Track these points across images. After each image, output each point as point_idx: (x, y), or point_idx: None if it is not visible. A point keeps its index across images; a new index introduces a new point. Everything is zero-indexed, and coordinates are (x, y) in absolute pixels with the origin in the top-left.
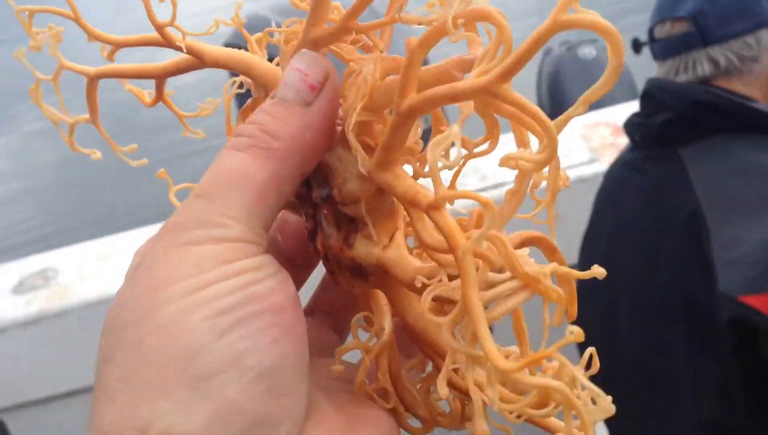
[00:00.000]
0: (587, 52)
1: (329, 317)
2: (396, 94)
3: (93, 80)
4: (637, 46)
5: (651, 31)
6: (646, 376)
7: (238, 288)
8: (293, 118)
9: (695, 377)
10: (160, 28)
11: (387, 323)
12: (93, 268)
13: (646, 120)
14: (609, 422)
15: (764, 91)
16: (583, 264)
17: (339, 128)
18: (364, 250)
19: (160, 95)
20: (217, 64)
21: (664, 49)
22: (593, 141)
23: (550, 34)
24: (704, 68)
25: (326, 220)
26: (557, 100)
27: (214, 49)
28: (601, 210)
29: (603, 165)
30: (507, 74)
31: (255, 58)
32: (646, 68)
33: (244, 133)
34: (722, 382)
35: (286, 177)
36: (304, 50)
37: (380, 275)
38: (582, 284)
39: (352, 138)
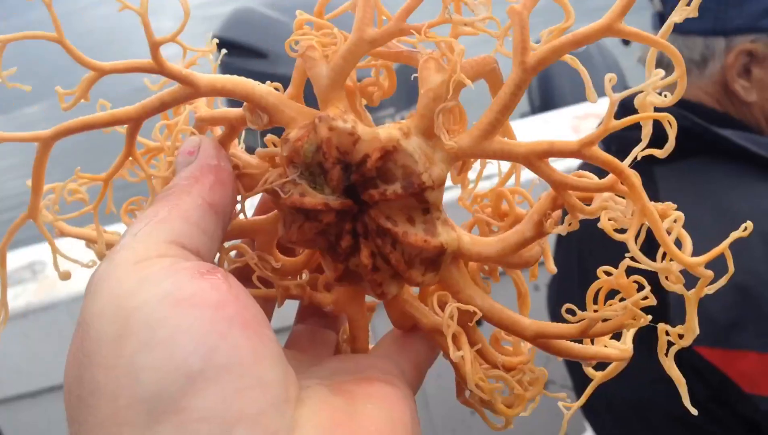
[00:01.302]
0: None
1: (321, 318)
2: (516, 53)
3: (47, 144)
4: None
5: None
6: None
7: (162, 296)
8: (182, 175)
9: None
10: (155, 46)
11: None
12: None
13: (623, 133)
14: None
15: (715, 97)
16: (558, 264)
17: (404, 122)
18: (447, 235)
19: (130, 147)
20: (213, 92)
21: (652, 24)
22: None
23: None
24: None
25: (390, 221)
26: (547, 93)
27: (209, 76)
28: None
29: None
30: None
31: (252, 82)
32: (636, 60)
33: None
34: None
35: (189, 207)
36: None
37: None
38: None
39: (438, 123)
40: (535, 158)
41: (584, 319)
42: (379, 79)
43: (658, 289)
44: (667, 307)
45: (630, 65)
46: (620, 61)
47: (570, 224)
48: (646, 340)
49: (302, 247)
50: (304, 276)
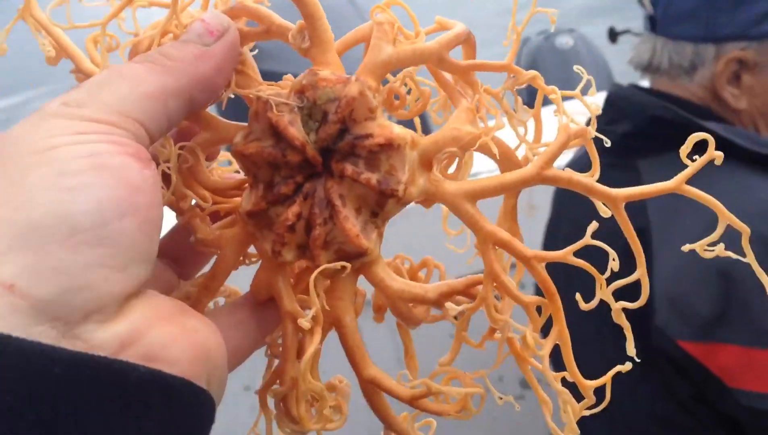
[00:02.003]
0: (564, 41)
1: (175, 263)
2: (544, 158)
3: None
4: (613, 35)
5: None
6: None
7: (86, 155)
8: (189, 49)
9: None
10: None
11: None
12: None
13: (608, 127)
14: None
15: (704, 102)
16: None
17: (417, 135)
18: (374, 247)
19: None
20: None
21: (643, 19)
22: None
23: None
24: (645, 55)
25: (341, 200)
26: (534, 89)
27: None
28: (558, 209)
29: None
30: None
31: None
32: (623, 58)
33: (142, 56)
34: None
35: (173, 91)
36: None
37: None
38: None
39: (440, 158)
40: (491, 245)
41: (422, 385)
42: (404, 93)
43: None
44: (651, 296)
45: (617, 61)
46: (608, 58)
47: (456, 317)
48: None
49: (244, 162)
50: (197, 203)
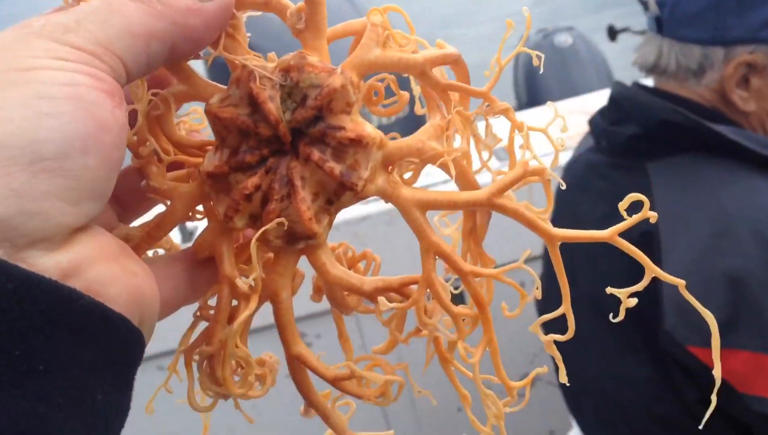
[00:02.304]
0: (563, 39)
1: (117, 204)
2: (496, 188)
3: None
4: (612, 33)
5: None
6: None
7: (65, 83)
8: (183, 1)
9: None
10: None
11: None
12: None
13: (613, 128)
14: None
15: (711, 104)
16: (546, 259)
17: (387, 137)
18: (323, 232)
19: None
20: None
21: (647, 19)
22: (569, 128)
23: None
24: (650, 57)
25: (301, 181)
26: (533, 88)
27: None
28: (560, 206)
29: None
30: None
31: None
32: (622, 56)
33: None
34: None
35: (157, 35)
36: None
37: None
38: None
39: (402, 165)
40: (432, 254)
41: (345, 367)
42: (383, 92)
43: (652, 286)
44: (659, 300)
45: (616, 59)
46: (606, 56)
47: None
48: (631, 343)
49: (215, 124)
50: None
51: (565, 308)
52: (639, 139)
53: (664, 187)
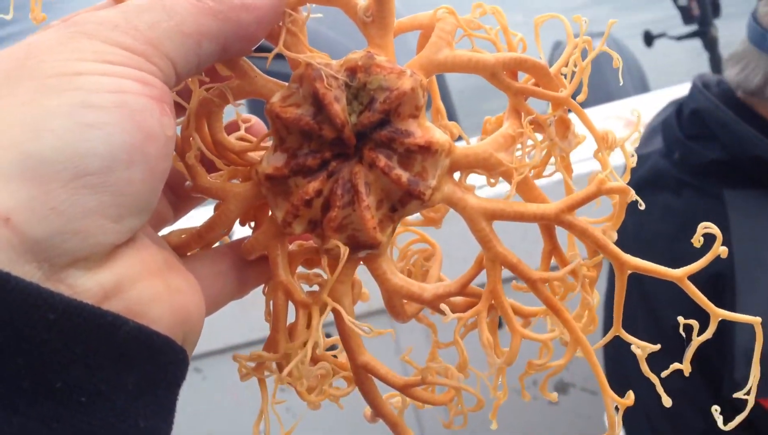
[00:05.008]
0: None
1: (171, 191)
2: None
3: None
4: (648, 38)
5: (756, 8)
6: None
7: (111, 90)
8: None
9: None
10: None
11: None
12: None
13: (693, 144)
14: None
15: None
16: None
17: (456, 145)
18: (386, 240)
19: None
20: None
21: (749, 30)
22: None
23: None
24: (755, 78)
25: (366, 188)
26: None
27: None
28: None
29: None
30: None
31: None
32: (657, 60)
33: None
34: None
35: (209, 34)
36: None
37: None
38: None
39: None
40: (499, 267)
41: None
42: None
43: (722, 333)
44: (729, 348)
45: (649, 63)
46: (641, 61)
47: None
48: (692, 388)
49: (276, 123)
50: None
51: (616, 330)
52: (721, 164)
53: (741, 218)
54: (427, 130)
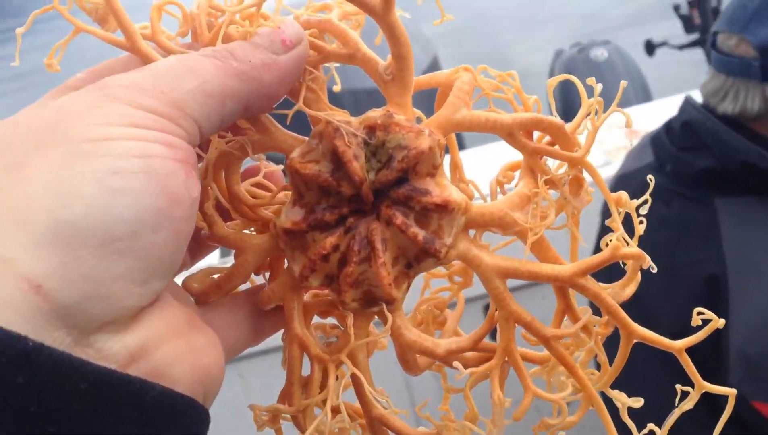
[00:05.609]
0: (599, 53)
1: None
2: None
3: None
4: (650, 47)
5: (715, 35)
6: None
7: (138, 155)
8: (258, 55)
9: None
10: None
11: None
12: None
13: (684, 155)
14: None
15: None
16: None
17: (471, 203)
18: (401, 297)
19: None
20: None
21: (722, 63)
22: (606, 143)
23: None
24: (754, 105)
25: (382, 244)
26: (568, 102)
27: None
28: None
29: (616, 168)
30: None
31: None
32: (659, 70)
33: (210, 50)
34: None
35: (233, 94)
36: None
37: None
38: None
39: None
40: (512, 324)
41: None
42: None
43: (716, 339)
44: (723, 352)
45: (652, 73)
46: (642, 70)
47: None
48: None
49: (295, 179)
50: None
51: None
52: (712, 172)
53: (732, 225)
54: (444, 188)
